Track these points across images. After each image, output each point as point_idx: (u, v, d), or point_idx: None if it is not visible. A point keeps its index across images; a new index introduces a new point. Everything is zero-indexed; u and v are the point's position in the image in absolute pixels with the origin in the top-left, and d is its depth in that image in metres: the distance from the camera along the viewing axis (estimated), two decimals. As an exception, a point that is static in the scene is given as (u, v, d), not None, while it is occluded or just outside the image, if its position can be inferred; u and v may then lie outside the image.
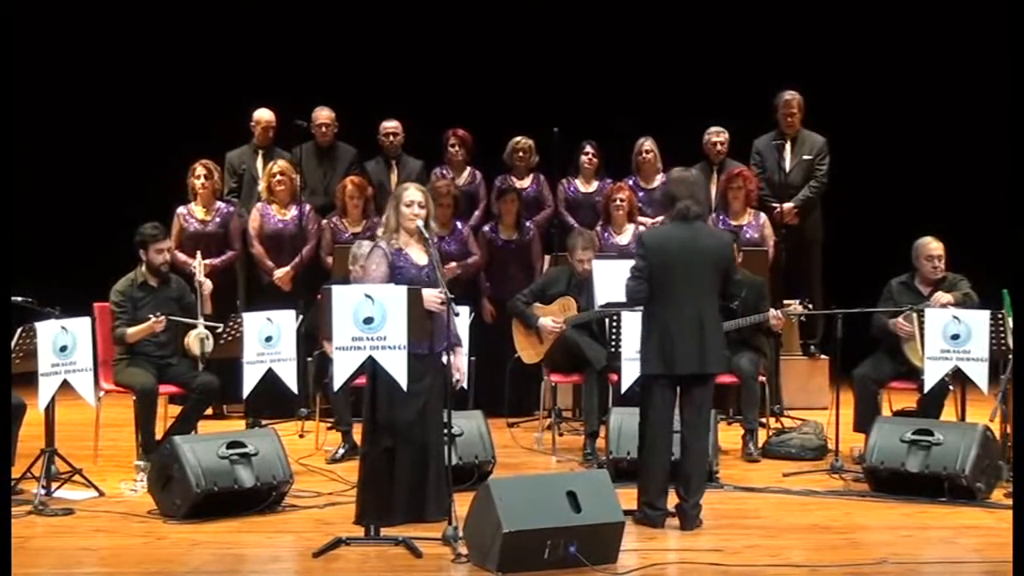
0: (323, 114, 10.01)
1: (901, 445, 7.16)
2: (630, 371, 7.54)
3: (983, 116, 10.94)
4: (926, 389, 7.66)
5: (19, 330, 7.02)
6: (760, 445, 8.27)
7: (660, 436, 6.58)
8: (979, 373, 7.44)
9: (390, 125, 10.08)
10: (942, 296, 7.97)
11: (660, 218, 9.31)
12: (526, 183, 10.01)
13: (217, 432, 7.45)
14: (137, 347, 7.97)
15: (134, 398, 7.86)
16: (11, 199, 7.83)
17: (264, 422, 8.68)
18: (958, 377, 7.68)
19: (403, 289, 6.22)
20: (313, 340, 8.53)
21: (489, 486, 5.88)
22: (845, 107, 11.04)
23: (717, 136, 10.03)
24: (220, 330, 7.87)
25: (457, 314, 6.65)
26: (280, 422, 8.84)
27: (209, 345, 7.90)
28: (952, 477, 7.01)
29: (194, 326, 7.94)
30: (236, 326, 7.85)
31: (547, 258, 9.64)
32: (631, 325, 7.46)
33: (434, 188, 9.30)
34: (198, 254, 8.48)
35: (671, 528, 6.55)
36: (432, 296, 6.42)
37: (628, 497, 6.49)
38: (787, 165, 9.89)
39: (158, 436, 7.81)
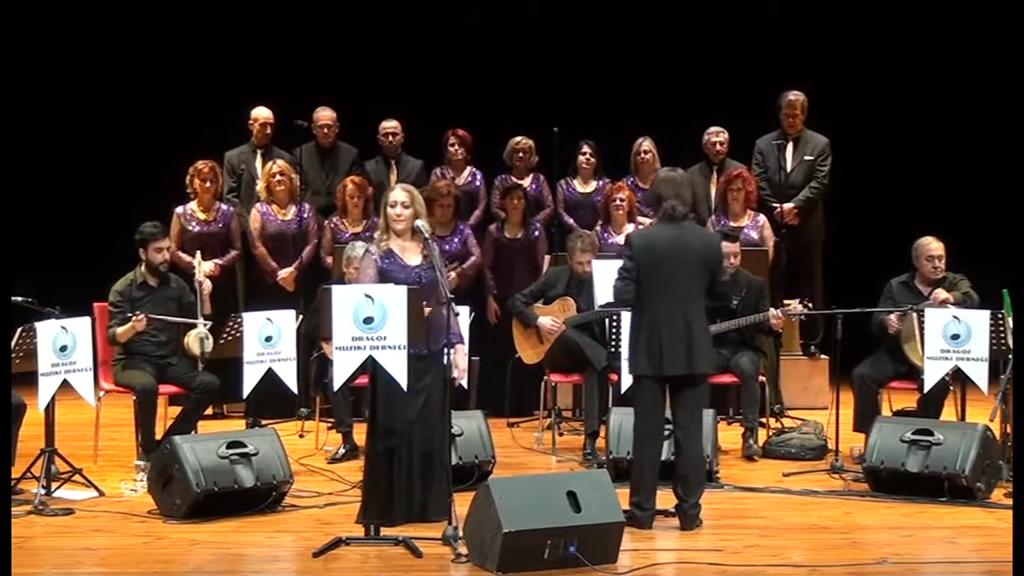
0: (324, 114, 10.00)
1: (901, 445, 7.16)
2: (630, 371, 7.54)
3: (983, 116, 10.94)
4: (926, 389, 7.66)
5: (19, 330, 7.02)
6: (760, 444, 8.27)
7: (648, 436, 6.58)
8: (979, 373, 7.45)
9: (390, 125, 10.08)
10: (941, 293, 7.98)
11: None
12: (526, 183, 9.99)
13: (217, 432, 7.44)
14: (137, 347, 7.97)
15: (134, 398, 7.86)
16: (11, 199, 7.82)
17: (264, 422, 8.69)
18: (958, 377, 7.69)
19: (403, 289, 6.22)
20: (313, 340, 8.53)
21: (489, 486, 5.87)
22: (847, 108, 11.05)
23: (717, 136, 10.03)
24: (226, 329, 7.88)
25: (457, 314, 6.64)
26: (280, 422, 8.84)
27: (209, 345, 7.91)
28: (952, 477, 7.01)
29: (194, 326, 7.94)
30: (236, 326, 7.85)
31: (547, 258, 9.64)
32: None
33: (434, 188, 9.30)
34: (198, 254, 8.49)
35: (671, 528, 6.55)
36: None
37: (628, 497, 6.51)
38: (788, 165, 9.89)
39: (158, 436, 7.82)
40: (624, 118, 10.62)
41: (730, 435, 8.60)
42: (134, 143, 11.28)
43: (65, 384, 7.07)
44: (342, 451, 8.16)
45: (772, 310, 8.23)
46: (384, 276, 6.59)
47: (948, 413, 8.03)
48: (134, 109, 11.37)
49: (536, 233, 9.67)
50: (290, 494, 7.03)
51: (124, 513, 6.83)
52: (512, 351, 8.74)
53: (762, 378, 8.37)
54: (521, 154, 10.02)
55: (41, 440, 7.21)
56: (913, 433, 7.16)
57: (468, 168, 10.12)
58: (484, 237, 9.70)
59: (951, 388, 7.88)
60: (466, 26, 11.64)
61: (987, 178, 10.84)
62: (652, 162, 9.91)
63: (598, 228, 9.43)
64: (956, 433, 7.14)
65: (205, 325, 7.95)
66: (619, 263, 6.69)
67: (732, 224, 9.35)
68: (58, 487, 7.18)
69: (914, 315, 7.86)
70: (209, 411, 8.53)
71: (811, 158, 9.90)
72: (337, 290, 6.25)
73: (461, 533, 6.07)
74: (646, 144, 9.96)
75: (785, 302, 8.40)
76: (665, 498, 6.63)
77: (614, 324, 7.98)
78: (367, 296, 6.17)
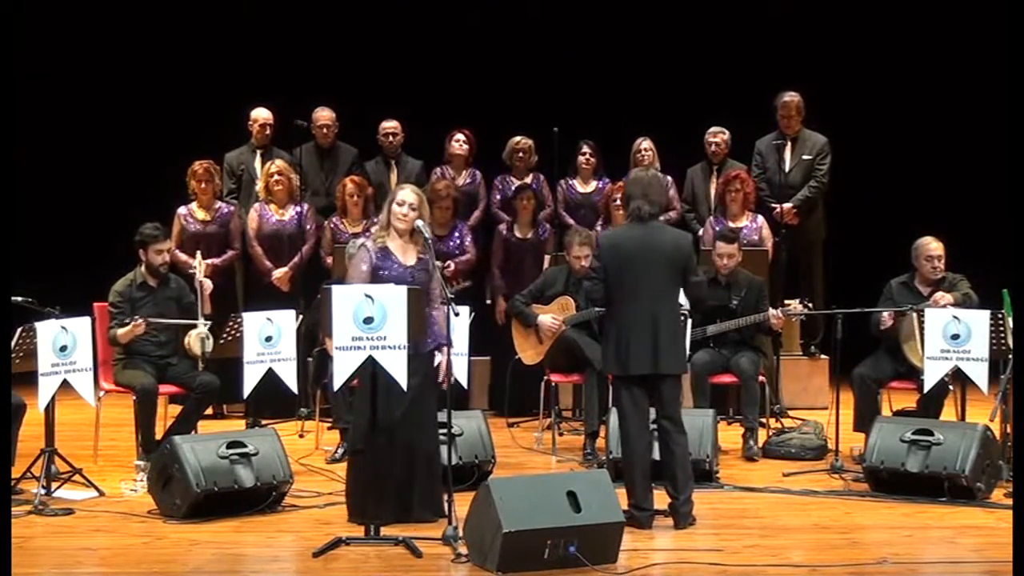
0: (324, 115, 10.00)
1: (901, 445, 7.16)
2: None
3: (983, 116, 10.94)
4: (926, 389, 7.66)
5: (19, 330, 7.02)
6: (760, 444, 8.27)
7: (634, 437, 6.59)
8: (979, 373, 7.44)
9: (390, 125, 10.08)
10: (942, 296, 7.98)
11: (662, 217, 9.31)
12: (530, 184, 9.98)
13: (217, 432, 7.45)
14: (137, 347, 7.97)
15: (134, 398, 7.86)
16: (12, 199, 7.82)
17: (264, 422, 8.69)
18: (958, 377, 7.68)
19: (403, 289, 6.22)
20: (313, 340, 8.53)
21: (489, 486, 5.87)
22: (846, 108, 11.04)
23: (717, 136, 10.03)
24: (226, 329, 7.89)
25: (457, 314, 6.65)
26: (280, 422, 8.84)
27: (209, 345, 7.91)
28: (952, 477, 7.01)
29: (194, 326, 7.94)
30: (236, 326, 7.85)
31: (547, 258, 9.64)
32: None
33: (433, 189, 9.30)
34: (198, 254, 8.49)
35: (671, 528, 6.55)
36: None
37: (626, 498, 6.51)
38: (787, 165, 9.90)
39: (158, 436, 7.82)
40: (624, 118, 10.62)
41: (730, 435, 8.60)
42: (134, 143, 11.28)
43: (65, 384, 7.07)
44: (340, 450, 8.16)
45: (772, 310, 8.24)
46: (376, 272, 6.59)
47: (948, 413, 8.03)
48: (134, 109, 11.37)
49: (545, 233, 9.68)
50: (290, 494, 7.03)
51: (124, 513, 6.83)
52: (512, 351, 8.74)
53: (762, 378, 8.37)
54: (521, 154, 10.02)
55: (41, 440, 7.21)
56: (913, 433, 7.16)
57: (468, 168, 10.12)
58: (484, 237, 9.69)
59: (951, 388, 7.88)
60: (466, 26, 11.64)
61: (987, 178, 10.84)
62: (652, 162, 9.90)
63: (598, 228, 9.43)
64: (956, 433, 7.14)
65: (205, 325, 7.95)
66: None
67: (731, 225, 9.35)
68: (58, 487, 7.18)
69: (914, 315, 7.86)
70: (209, 411, 8.52)
71: (810, 158, 9.90)
72: (337, 290, 6.25)
73: (461, 533, 6.07)
74: (646, 144, 9.96)
75: (785, 302, 8.40)
76: (663, 498, 6.63)
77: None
78: (367, 296, 6.17)
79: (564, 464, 8.14)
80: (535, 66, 11.41)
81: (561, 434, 8.78)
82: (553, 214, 9.92)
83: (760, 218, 9.60)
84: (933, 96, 11.32)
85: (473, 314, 8.19)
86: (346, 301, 6.15)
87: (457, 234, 9.46)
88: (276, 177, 9.44)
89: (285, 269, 9.46)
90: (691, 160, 10.00)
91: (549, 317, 8.50)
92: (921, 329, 7.70)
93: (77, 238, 11.21)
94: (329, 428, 8.62)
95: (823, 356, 9.99)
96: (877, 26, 11.50)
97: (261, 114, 9.97)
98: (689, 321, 7.69)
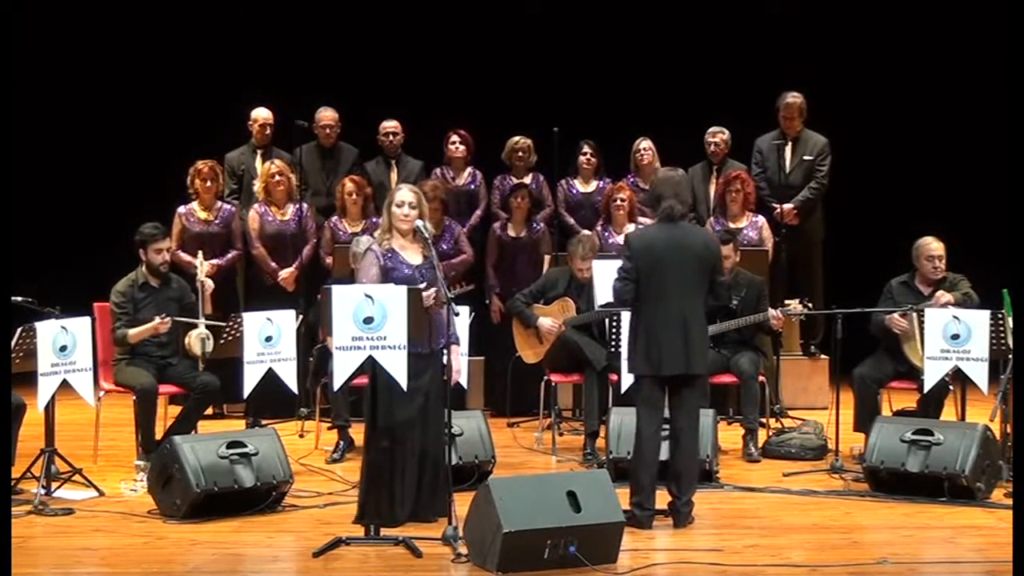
0: (326, 115, 10.00)
1: (901, 445, 7.16)
2: (630, 371, 7.54)
3: (984, 116, 10.94)
4: (926, 389, 7.66)
5: (19, 330, 7.02)
6: (760, 445, 8.27)
7: (648, 437, 6.59)
8: (979, 373, 7.45)
9: (390, 125, 10.08)
10: (943, 296, 7.97)
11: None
12: (526, 183, 9.99)
13: (217, 432, 7.45)
14: (137, 347, 7.96)
15: (134, 398, 7.86)
16: (12, 198, 7.82)
17: (264, 422, 8.69)
18: (958, 377, 7.69)
19: (403, 289, 6.23)
20: (313, 339, 8.53)
21: (489, 486, 5.88)
22: (846, 108, 11.04)
23: (717, 136, 10.03)
24: (225, 326, 7.88)
25: (457, 314, 6.65)
26: (280, 422, 8.84)
27: (210, 345, 7.91)
28: (952, 477, 7.01)
29: (195, 326, 7.94)
30: (236, 326, 7.85)
31: (547, 258, 9.63)
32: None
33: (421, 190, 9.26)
34: (200, 254, 8.49)
35: (670, 528, 6.56)
36: (425, 294, 6.44)
37: (628, 498, 6.51)
38: (788, 165, 9.90)
39: (158, 436, 7.82)
40: (624, 118, 10.61)
41: (730, 435, 8.60)
42: (134, 143, 11.27)
43: (65, 384, 7.07)
44: (340, 451, 8.15)
45: (772, 310, 8.23)
46: (387, 274, 6.60)
47: (948, 413, 8.03)
48: (134, 109, 11.36)
49: (539, 232, 9.67)
50: (290, 494, 7.03)
51: (124, 513, 6.83)
52: (512, 351, 8.74)
53: (762, 378, 8.37)
54: (520, 154, 10.01)
55: (41, 440, 7.22)
56: (913, 433, 7.16)
57: (468, 168, 10.11)
58: (482, 237, 9.69)
59: (951, 388, 7.88)
60: (466, 26, 11.63)
61: (987, 178, 10.84)
62: (652, 162, 9.90)
63: (599, 228, 9.43)
64: (956, 433, 7.14)
65: (214, 328, 7.93)
66: (619, 263, 6.69)
67: (730, 225, 9.35)
68: (58, 487, 7.18)
69: (914, 315, 7.86)
70: (209, 411, 8.52)
71: (810, 158, 9.90)
72: (337, 290, 6.25)
73: (461, 533, 6.07)
74: (646, 144, 9.96)
75: (785, 302, 8.39)
76: (664, 498, 6.64)
77: (614, 324, 7.99)
78: (367, 296, 6.17)
79: (564, 464, 8.15)
80: (535, 66, 11.40)
81: (561, 434, 8.78)
82: (553, 214, 9.92)
83: (760, 218, 9.61)
84: (933, 96, 11.31)
85: (473, 314, 8.19)
86: (346, 301, 6.15)
87: (449, 235, 9.46)
88: (276, 177, 9.44)
89: (291, 269, 9.46)
90: (691, 160, 10.00)
91: (549, 320, 8.49)
92: (921, 329, 7.71)
93: (77, 238, 11.20)
94: (329, 428, 8.61)
95: (823, 356, 9.99)
96: (877, 26, 11.50)
97: (261, 114, 9.96)
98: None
